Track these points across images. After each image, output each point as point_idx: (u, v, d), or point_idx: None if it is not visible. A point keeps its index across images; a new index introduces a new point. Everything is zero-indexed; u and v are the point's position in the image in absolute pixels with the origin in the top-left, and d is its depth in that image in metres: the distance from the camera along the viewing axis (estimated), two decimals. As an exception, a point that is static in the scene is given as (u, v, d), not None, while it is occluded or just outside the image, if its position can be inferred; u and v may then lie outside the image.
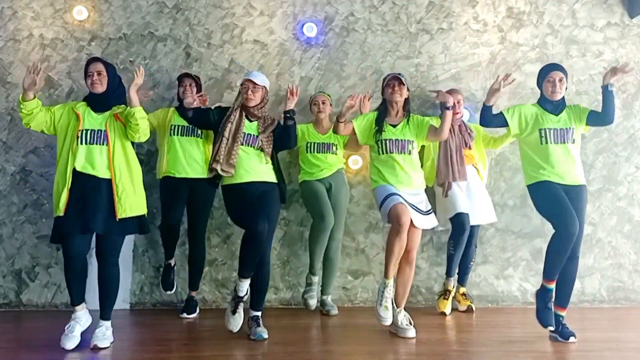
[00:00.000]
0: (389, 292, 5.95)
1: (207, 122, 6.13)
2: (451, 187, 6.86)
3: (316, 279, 7.11)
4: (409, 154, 6.01)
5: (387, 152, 6.00)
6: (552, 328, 5.85)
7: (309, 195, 7.03)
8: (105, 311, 5.74)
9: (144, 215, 5.85)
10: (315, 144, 7.07)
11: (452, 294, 7.13)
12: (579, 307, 7.42)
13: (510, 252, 7.57)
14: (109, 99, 5.79)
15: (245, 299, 5.92)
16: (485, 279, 7.56)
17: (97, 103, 5.77)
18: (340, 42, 7.66)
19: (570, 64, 7.64)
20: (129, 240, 7.18)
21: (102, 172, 5.62)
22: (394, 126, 6.07)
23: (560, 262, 5.81)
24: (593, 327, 6.63)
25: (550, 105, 6.04)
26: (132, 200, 5.67)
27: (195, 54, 7.55)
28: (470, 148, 7.02)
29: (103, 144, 5.65)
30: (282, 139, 6.09)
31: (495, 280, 7.58)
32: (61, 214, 5.54)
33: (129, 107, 5.71)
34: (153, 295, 7.43)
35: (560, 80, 6.01)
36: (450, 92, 6.93)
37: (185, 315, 6.92)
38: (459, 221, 6.89)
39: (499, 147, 7.27)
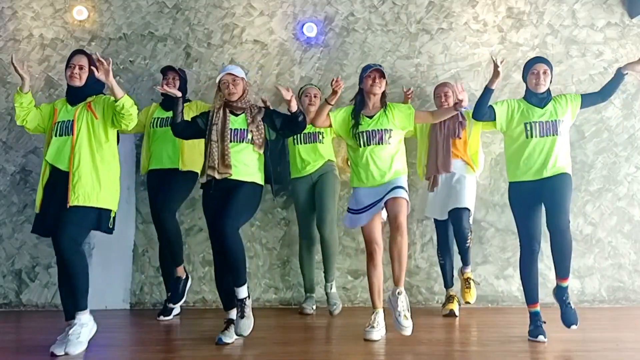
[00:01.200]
0: (376, 319, 5.89)
1: (197, 130, 5.84)
2: (437, 182, 6.89)
3: (312, 294, 7.20)
4: (388, 143, 5.84)
5: (363, 145, 5.85)
6: (543, 338, 5.83)
7: (295, 202, 7.17)
8: (77, 303, 5.43)
9: (109, 212, 5.61)
10: (302, 135, 6.95)
11: (456, 297, 7.10)
12: (579, 307, 7.11)
13: (510, 252, 7.53)
14: (84, 92, 5.67)
15: (247, 301, 5.65)
16: (485, 279, 7.54)
17: (73, 95, 5.68)
18: (340, 42, 7.67)
19: (570, 64, 7.64)
20: (128, 240, 7.28)
21: (65, 165, 5.49)
22: (370, 117, 5.91)
23: (533, 283, 5.95)
24: (593, 327, 6.55)
25: (535, 98, 5.99)
26: (88, 191, 5.44)
27: (195, 54, 7.56)
28: (459, 137, 6.92)
29: (69, 135, 5.53)
30: (291, 127, 5.84)
31: (495, 280, 7.56)
32: (37, 210, 5.54)
33: (111, 98, 5.52)
34: (153, 295, 7.44)
35: (545, 72, 5.96)
36: (438, 86, 7.08)
37: (171, 305, 6.78)
38: (438, 228, 7.09)
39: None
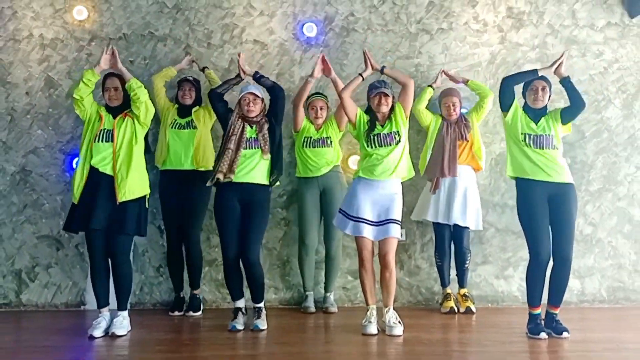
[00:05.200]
0: (372, 314, 6.17)
1: (223, 112, 6.46)
2: (439, 185, 6.98)
3: (310, 293, 7.26)
4: (396, 144, 6.16)
5: (374, 147, 6.18)
6: (544, 335, 5.92)
7: (299, 202, 7.27)
8: (121, 303, 6.16)
9: (143, 212, 6.19)
10: (311, 139, 7.14)
11: (452, 294, 7.16)
12: (579, 307, 7.43)
13: (510, 252, 7.54)
14: (122, 108, 6.23)
15: (244, 309, 6.39)
16: (485, 279, 7.54)
17: (113, 112, 6.22)
18: (340, 42, 7.66)
19: (570, 64, 7.51)
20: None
21: (108, 169, 6.04)
22: (382, 125, 6.23)
23: (539, 288, 6.01)
24: (593, 328, 6.62)
25: (532, 112, 6.14)
26: (130, 185, 6.03)
27: (195, 54, 7.51)
28: (467, 140, 7.05)
29: (109, 141, 6.08)
30: (272, 103, 6.48)
31: (495, 280, 7.55)
32: (75, 201, 6.05)
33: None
34: (153, 296, 7.44)
35: (543, 89, 6.13)
36: (446, 94, 7.13)
37: (191, 313, 6.99)
38: (437, 231, 7.20)
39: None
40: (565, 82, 6.16)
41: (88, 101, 6.17)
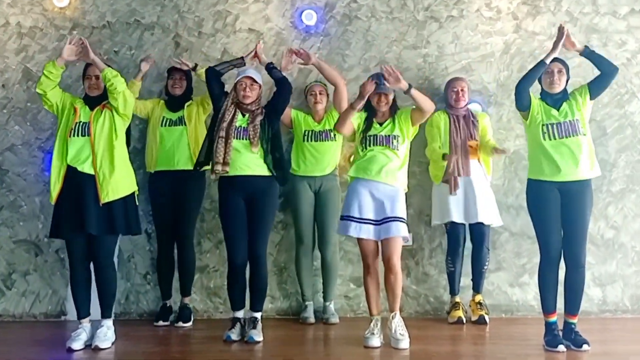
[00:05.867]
0: (376, 325, 6.01)
1: (218, 92, 6.25)
2: (458, 184, 6.79)
3: (310, 303, 7.10)
4: (396, 149, 6.03)
5: (368, 147, 6.05)
6: (563, 348, 5.74)
7: (294, 199, 7.05)
8: (104, 310, 6.01)
9: (132, 210, 6.03)
10: (313, 132, 6.98)
11: (461, 304, 6.96)
12: (600, 318, 7.21)
13: (525, 257, 7.27)
14: (102, 99, 6.05)
15: (242, 320, 6.24)
16: (498, 287, 7.29)
17: (92, 102, 6.05)
18: (342, 31, 7.45)
19: None
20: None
21: (86, 167, 5.88)
22: (381, 124, 6.12)
23: (552, 290, 5.91)
24: (615, 339, 6.44)
25: (551, 99, 5.95)
26: (113, 184, 5.87)
27: (185, 44, 7.37)
28: (475, 139, 6.93)
29: (86, 135, 5.94)
30: (277, 94, 6.30)
31: (510, 288, 7.31)
32: (52, 202, 5.93)
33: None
34: (139, 305, 7.28)
35: (560, 71, 5.92)
36: (454, 79, 7.06)
37: (181, 324, 6.81)
38: (452, 233, 6.96)
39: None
40: (586, 53, 5.89)
41: (54, 95, 6.01)
